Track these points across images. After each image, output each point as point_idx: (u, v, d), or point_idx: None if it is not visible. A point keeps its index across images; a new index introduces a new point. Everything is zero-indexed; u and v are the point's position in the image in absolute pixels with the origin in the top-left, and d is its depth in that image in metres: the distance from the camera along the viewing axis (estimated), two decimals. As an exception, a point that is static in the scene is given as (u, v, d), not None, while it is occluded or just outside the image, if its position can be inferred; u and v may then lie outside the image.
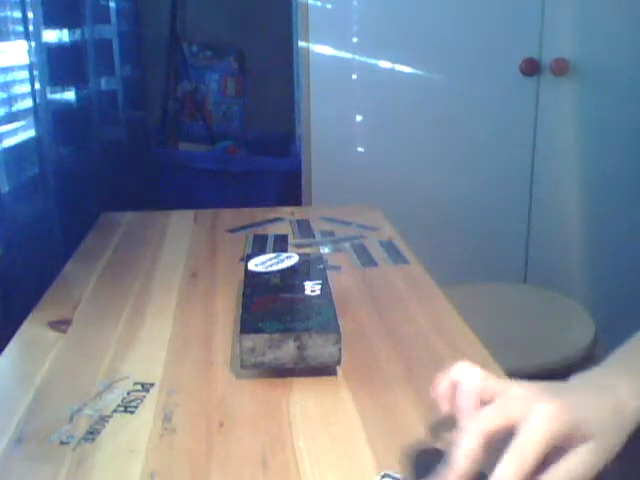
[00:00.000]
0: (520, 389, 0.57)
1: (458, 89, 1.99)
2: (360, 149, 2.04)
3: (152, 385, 0.77)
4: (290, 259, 0.98)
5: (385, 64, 1.97)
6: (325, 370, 0.79)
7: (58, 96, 1.57)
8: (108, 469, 0.64)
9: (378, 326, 0.92)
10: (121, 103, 2.16)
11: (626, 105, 1.98)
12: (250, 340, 0.76)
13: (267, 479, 0.62)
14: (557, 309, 1.51)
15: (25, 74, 1.37)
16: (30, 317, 0.95)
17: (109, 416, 0.72)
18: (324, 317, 0.80)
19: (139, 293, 1.03)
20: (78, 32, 1.70)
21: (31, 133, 1.38)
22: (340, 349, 0.77)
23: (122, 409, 0.73)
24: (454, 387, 0.61)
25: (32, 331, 0.92)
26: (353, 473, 0.63)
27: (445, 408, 0.61)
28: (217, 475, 0.63)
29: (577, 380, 0.60)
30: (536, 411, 0.53)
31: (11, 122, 1.31)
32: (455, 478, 0.53)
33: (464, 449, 0.54)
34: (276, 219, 1.38)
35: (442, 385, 0.62)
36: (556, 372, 1.32)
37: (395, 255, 1.17)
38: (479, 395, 0.59)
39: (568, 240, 2.08)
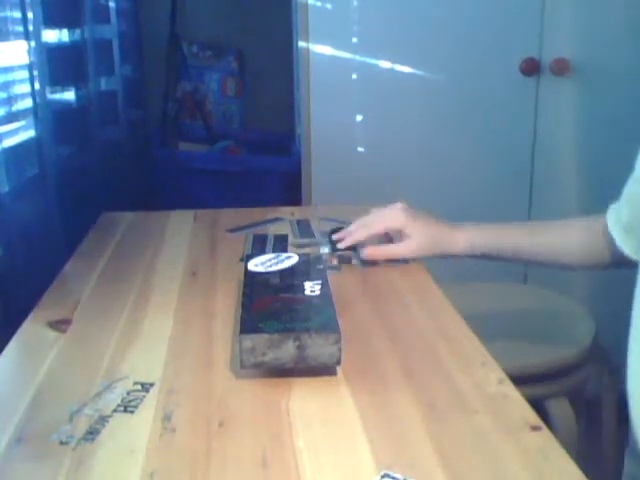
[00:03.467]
0: (400, 203, 1.12)
1: (458, 89, 1.99)
2: (360, 149, 2.04)
3: (152, 385, 0.77)
4: (290, 259, 0.98)
5: (385, 64, 1.97)
6: (325, 370, 0.79)
7: (58, 96, 1.57)
8: (108, 469, 0.64)
9: (378, 326, 0.92)
10: (121, 103, 2.16)
11: (626, 105, 1.98)
12: (250, 340, 0.76)
13: (267, 479, 0.62)
14: (557, 309, 1.51)
15: (25, 74, 1.37)
16: (30, 317, 0.95)
17: (109, 416, 0.72)
18: (324, 317, 0.80)
19: (139, 293, 1.03)
20: (78, 32, 1.70)
21: (31, 133, 1.38)
22: (340, 349, 0.77)
23: (122, 409, 0.73)
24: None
25: (32, 331, 0.92)
26: (353, 473, 0.63)
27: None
28: (217, 475, 0.63)
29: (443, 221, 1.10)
30: (389, 209, 1.11)
31: (11, 122, 1.31)
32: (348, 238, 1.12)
33: (357, 234, 1.12)
34: (276, 219, 1.38)
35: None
36: (556, 372, 1.32)
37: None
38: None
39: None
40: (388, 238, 1.13)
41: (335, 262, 1.11)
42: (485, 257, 1.08)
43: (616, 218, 1.00)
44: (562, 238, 1.06)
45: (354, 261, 1.11)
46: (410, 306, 0.98)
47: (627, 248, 0.95)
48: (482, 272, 2.05)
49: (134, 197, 2.14)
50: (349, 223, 1.34)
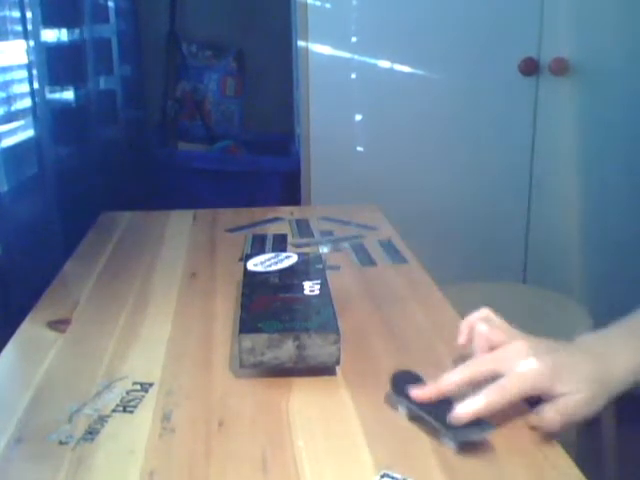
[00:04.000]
0: (521, 343, 0.71)
1: (457, 89, 1.99)
2: (359, 149, 2.04)
3: (151, 385, 0.77)
4: (289, 259, 0.98)
5: (384, 64, 1.96)
6: (324, 370, 0.79)
7: (57, 96, 1.57)
8: (107, 469, 0.64)
9: (377, 326, 0.92)
10: (120, 103, 2.15)
11: (625, 105, 1.98)
12: (249, 340, 0.76)
13: (266, 479, 0.62)
14: (557, 309, 1.51)
15: (24, 74, 1.37)
16: (29, 317, 0.95)
17: (108, 416, 0.72)
18: (323, 317, 0.80)
19: (138, 293, 1.03)
20: (77, 32, 1.70)
21: (30, 133, 1.38)
22: (339, 349, 0.77)
23: (121, 409, 0.73)
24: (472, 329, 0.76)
25: (31, 331, 0.92)
26: (352, 473, 0.63)
27: (462, 342, 0.77)
28: (216, 475, 0.63)
29: (580, 342, 0.73)
30: (523, 365, 0.68)
31: (10, 122, 1.31)
32: (434, 390, 0.68)
33: (453, 374, 0.69)
34: (275, 219, 1.38)
35: (464, 324, 0.77)
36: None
37: (394, 255, 1.17)
38: (489, 339, 0.74)
39: (567, 240, 2.08)
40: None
41: (452, 445, 0.66)
42: None
43: None
44: None
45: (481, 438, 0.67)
46: (410, 306, 0.98)
47: None
48: (482, 272, 2.05)
49: (133, 197, 2.13)
50: (348, 223, 1.34)
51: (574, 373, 0.68)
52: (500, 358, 0.69)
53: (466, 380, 0.68)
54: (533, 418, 0.68)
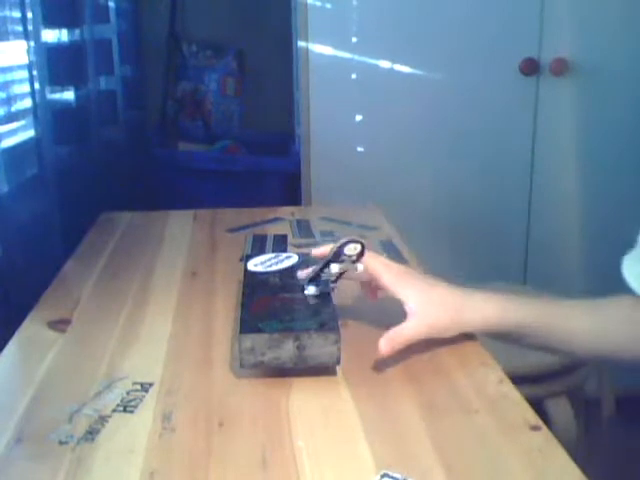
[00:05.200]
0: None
1: (457, 89, 1.99)
2: (360, 149, 2.04)
3: (151, 385, 0.77)
4: (289, 259, 0.98)
5: (384, 64, 1.96)
6: (324, 370, 0.79)
7: (57, 96, 1.57)
8: (107, 469, 0.64)
9: (377, 326, 0.92)
10: (120, 103, 2.15)
11: (625, 105, 1.98)
12: (249, 340, 0.76)
13: (266, 479, 0.62)
14: (557, 309, 1.50)
15: (24, 74, 1.37)
16: (29, 317, 0.95)
17: (108, 416, 0.72)
18: (323, 317, 0.80)
19: (138, 293, 1.03)
20: (77, 32, 1.70)
21: (30, 133, 1.38)
22: (339, 349, 0.77)
23: (121, 409, 0.73)
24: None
25: (31, 331, 0.92)
26: (352, 473, 0.63)
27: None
28: (216, 475, 0.63)
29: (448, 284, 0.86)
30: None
31: (10, 122, 1.31)
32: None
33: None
34: (276, 219, 1.38)
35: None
36: (556, 372, 1.32)
37: (395, 255, 1.17)
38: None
39: (568, 241, 2.08)
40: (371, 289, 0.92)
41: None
42: (501, 338, 0.86)
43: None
44: (599, 319, 0.90)
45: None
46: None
47: None
48: (482, 273, 2.05)
49: (134, 197, 2.13)
50: (349, 223, 1.35)
51: (425, 298, 0.83)
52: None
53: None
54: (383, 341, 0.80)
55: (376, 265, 0.85)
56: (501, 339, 0.85)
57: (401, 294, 0.83)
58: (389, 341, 0.79)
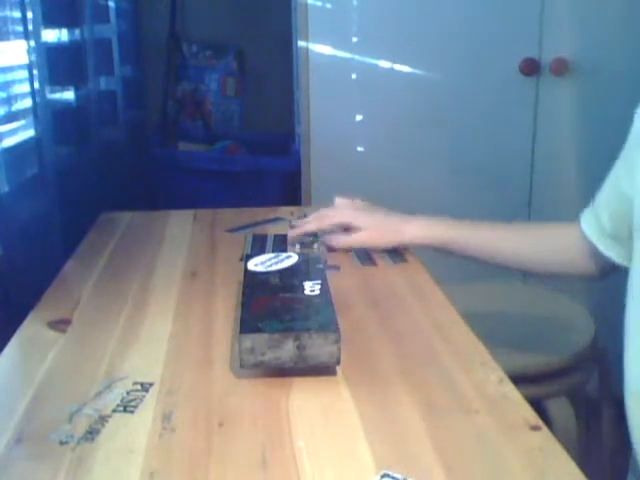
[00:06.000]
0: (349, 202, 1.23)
1: (457, 89, 1.99)
2: (360, 149, 2.04)
3: (151, 385, 0.77)
4: (289, 259, 0.98)
5: (385, 64, 1.96)
6: (324, 370, 0.79)
7: (57, 96, 1.57)
8: (107, 469, 0.64)
9: (377, 325, 0.92)
10: (120, 103, 2.15)
11: (625, 105, 1.98)
12: (250, 340, 0.76)
13: (266, 479, 0.62)
14: (557, 309, 1.51)
15: (24, 74, 1.37)
16: (30, 317, 0.95)
17: (108, 416, 0.72)
18: (323, 317, 0.80)
19: (138, 293, 1.03)
20: (77, 32, 1.70)
21: (30, 133, 1.38)
22: (339, 349, 0.77)
23: (121, 409, 0.73)
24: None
25: (32, 331, 0.92)
26: (352, 473, 0.63)
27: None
28: (216, 475, 0.63)
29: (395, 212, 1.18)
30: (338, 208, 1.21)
31: (11, 122, 1.31)
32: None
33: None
34: (276, 219, 1.38)
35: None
36: (556, 372, 1.32)
37: (394, 254, 1.17)
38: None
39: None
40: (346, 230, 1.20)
41: (297, 247, 1.19)
42: (436, 249, 1.12)
43: (596, 226, 1.00)
44: (526, 240, 1.10)
45: (315, 246, 1.20)
46: (410, 306, 0.98)
47: (617, 256, 0.96)
48: (482, 272, 2.05)
49: (134, 197, 2.14)
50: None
51: (371, 218, 1.16)
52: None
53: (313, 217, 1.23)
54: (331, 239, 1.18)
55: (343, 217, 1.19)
56: (437, 250, 1.12)
57: (352, 222, 1.17)
58: (334, 239, 1.17)
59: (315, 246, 1.20)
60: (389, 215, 1.17)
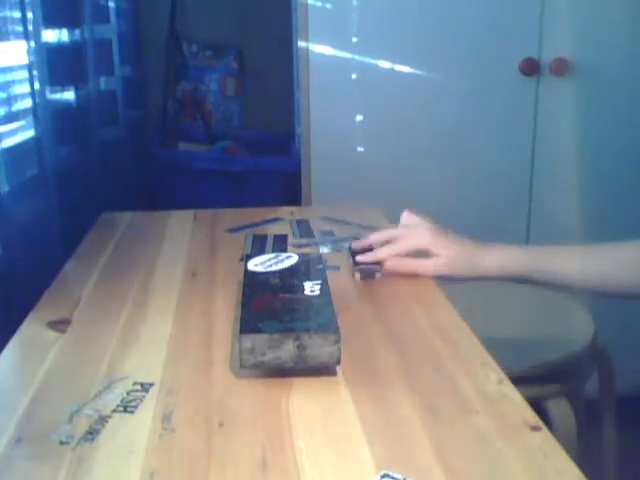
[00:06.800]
0: (424, 225, 1.08)
1: (457, 89, 1.99)
2: (360, 149, 2.04)
3: (151, 385, 0.77)
4: (290, 259, 0.98)
5: (385, 64, 1.96)
6: (325, 370, 0.79)
7: (57, 96, 1.57)
8: (107, 469, 0.64)
9: (378, 326, 0.92)
10: (121, 103, 2.16)
11: (625, 105, 1.98)
12: (250, 340, 0.76)
13: (266, 479, 0.62)
14: (557, 309, 1.51)
15: (24, 74, 1.37)
16: (30, 317, 0.95)
17: (108, 416, 0.72)
18: (324, 317, 0.80)
19: (139, 293, 1.03)
20: (77, 32, 1.70)
21: (30, 133, 1.38)
22: (339, 349, 0.77)
23: (121, 409, 0.73)
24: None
25: (32, 331, 0.92)
26: (352, 473, 0.63)
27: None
28: (216, 475, 0.63)
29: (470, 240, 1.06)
30: (413, 232, 1.07)
31: (11, 122, 1.31)
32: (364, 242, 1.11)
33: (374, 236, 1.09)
34: (276, 219, 1.38)
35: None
36: (556, 372, 1.32)
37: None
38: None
39: (568, 240, 2.07)
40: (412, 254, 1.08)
41: (358, 276, 1.06)
42: (517, 280, 1.04)
43: None
44: (609, 261, 1.02)
45: (378, 275, 1.06)
46: (410, 306, 0.98)
47: None
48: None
49: (134, 197, 2.14)
50: (349, 223, 1.35)
51: (449, 246, 1.04)
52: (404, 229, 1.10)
53: (381, 239, 1.09)
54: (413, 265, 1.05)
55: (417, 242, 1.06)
56: (517, 282, 1.04)
57: (432, 250, 1.04)
58: (400, 263, 1.06)
59: (377, 275, 1.06)
60: (465, 243, 1.05)
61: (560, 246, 1.05)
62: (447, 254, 1.03)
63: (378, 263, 1.05)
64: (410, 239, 1.05)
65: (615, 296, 1.02)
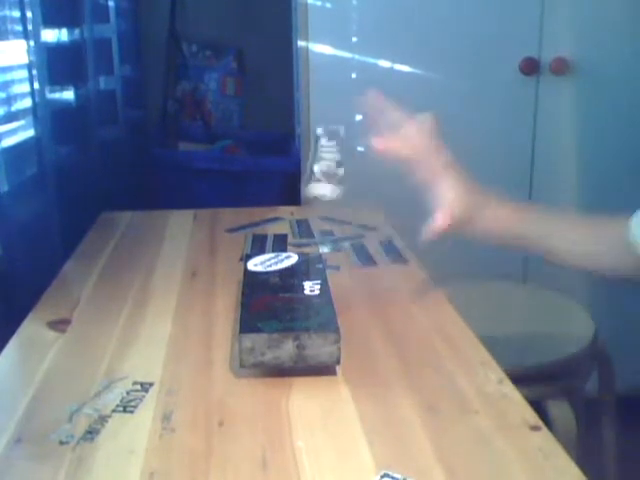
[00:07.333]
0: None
1: (457, 88, 1.99)
2: (360, 149, 2.03)
3: (151, 385, 0.77)
4: (289, 259, 0.98)
5: (384, 64, 1.96)
6: (324, 370, 0.79)
7: (57, 95, 1.57)
8: (107, 469, 0.64)
9: (377, 326, 0.92)
10: (120, 103, 2.15)
11: (625, 105, 1.98)
12: (249, 340, 0.76)
13: (266, 478, 0.62)
14: (557, 309, 1.51)
15: (24, 73, 1.37)
16: (29, 317, 0.95)
17: (108, 416, 0.72)
18: (323, 317, 0.80)
19: (138, 293, 1.03)
20: (77, 31, 1.70)
21: (30, 133, 1.38)
22: (339, 349, 0.77)
23: (121, 409, 0.73)
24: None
25: (31, 331, 0.92)
26: (352, 473, 0.63)
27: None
28: (216, 475, 0.63)
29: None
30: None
31: (10, 122, 1.31)
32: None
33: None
34: (275, 219, 1.38)
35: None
36: (556, 372, 1.32)
37: (394, 255, 1.17)
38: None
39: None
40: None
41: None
42: (513, 245, 0.96)
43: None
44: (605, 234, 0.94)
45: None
46: (409, 306, 0.98)
47: None
48: (482, 272, 2.05)
49: (134, 197, 2.13)
50: (349, 223, 1.35)
51: (459, 172, 0.97)
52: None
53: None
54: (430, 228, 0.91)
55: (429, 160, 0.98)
56: (504, 246, 0.96)
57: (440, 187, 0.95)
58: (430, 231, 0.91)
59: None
60: (469, 185, 0.97)
61: (546, 212, 0.99)
62: (455, 186, 0.95)
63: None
64: (420, 153, 1.01)
65: (612, 278, 0.96)
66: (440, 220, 0.90)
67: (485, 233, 0.94)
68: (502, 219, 0.94)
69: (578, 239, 0.95)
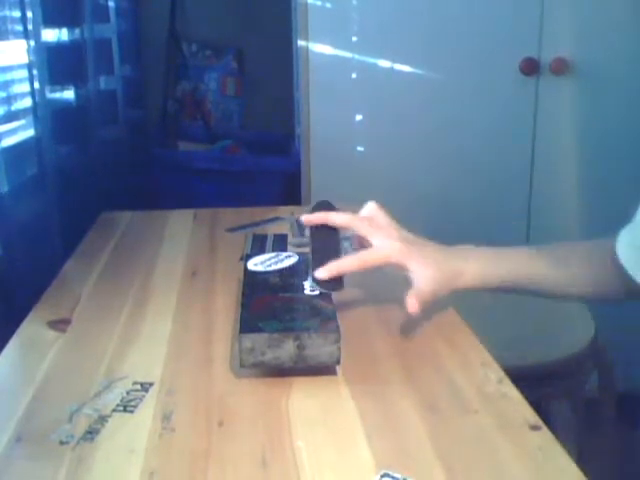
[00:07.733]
0: (392, 231, 0.91)
1: (457, 89, 1.99)
2: (360, 149, 2.03)
3: (151, 385, 0.77)
4: (289, 258, 0.98)
5: (384, 64, 1.96)
6: (324, 369, 0.79)
7: (57, 95, 1.57)
8: (107, 469, 0.64)
9: (377, 325, 0.92)
10: (120, 102, 2.16)
11: (625, 105, 1.98)
12: (249, 340, 0.76)
13: (266, 478, 0.62)
14: (557, 309, 1.51)
15: (24, 73, 1.37)
16: (29, 316, 0.95)
17: (108, 416, 0.72)
18: (323, 317, 0.80)
19: (138, 292, 1.03)
20: (77, 31, 1.70)
21: (30, 132, 1.38)
22: (339, 348, 0.77)
23: (121, 409, 0.73)
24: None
25: (31, 330, 0.92)
26: (352, 473, 0.63)
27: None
28: (216, 474, 0.63)
29: (445, 246, 0.93)
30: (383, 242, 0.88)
31: (10, 121, 1.31)
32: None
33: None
34: (275, 219, 1.38)
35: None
36: (556, 372, 1.32)
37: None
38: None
39: (568, 240, 2.08)
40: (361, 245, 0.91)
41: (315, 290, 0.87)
42: (495, 289, 0.95)
43: (629, 241, 0.89)
44: (576, 267, 0.97)
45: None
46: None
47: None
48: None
49: (134, 197, 2.13)
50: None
51: (425, 257, 0.89)
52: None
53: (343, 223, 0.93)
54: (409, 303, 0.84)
55: (384, 245, 0.88)
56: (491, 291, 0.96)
57: (407, 266, 0.87)
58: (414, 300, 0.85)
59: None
60: (440, 251, 0.92)
61: (520, 248, 0.99)
62: (426, 273, 0.87)
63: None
64: (382, 251, 0.87)
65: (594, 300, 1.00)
66: (411, 306, 0.84)
67: (469, 290, 0.93)
68: (478, 277, 0.93)
69: (560, 275, 0.96)
